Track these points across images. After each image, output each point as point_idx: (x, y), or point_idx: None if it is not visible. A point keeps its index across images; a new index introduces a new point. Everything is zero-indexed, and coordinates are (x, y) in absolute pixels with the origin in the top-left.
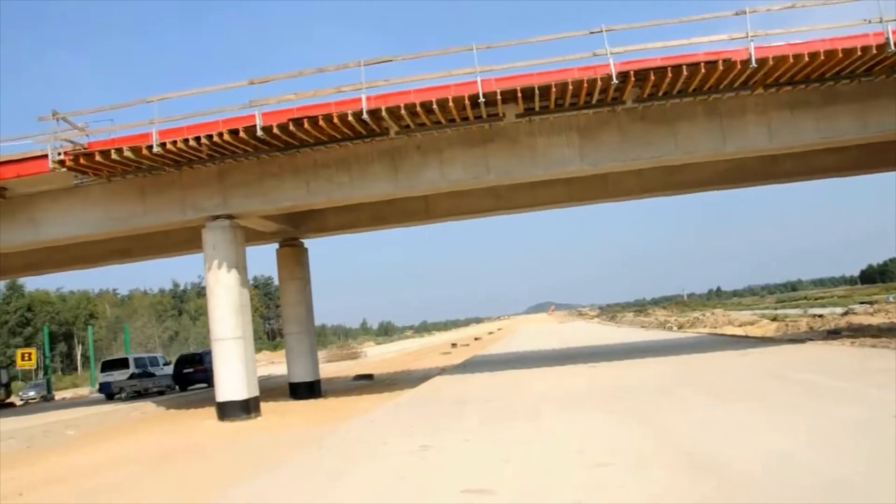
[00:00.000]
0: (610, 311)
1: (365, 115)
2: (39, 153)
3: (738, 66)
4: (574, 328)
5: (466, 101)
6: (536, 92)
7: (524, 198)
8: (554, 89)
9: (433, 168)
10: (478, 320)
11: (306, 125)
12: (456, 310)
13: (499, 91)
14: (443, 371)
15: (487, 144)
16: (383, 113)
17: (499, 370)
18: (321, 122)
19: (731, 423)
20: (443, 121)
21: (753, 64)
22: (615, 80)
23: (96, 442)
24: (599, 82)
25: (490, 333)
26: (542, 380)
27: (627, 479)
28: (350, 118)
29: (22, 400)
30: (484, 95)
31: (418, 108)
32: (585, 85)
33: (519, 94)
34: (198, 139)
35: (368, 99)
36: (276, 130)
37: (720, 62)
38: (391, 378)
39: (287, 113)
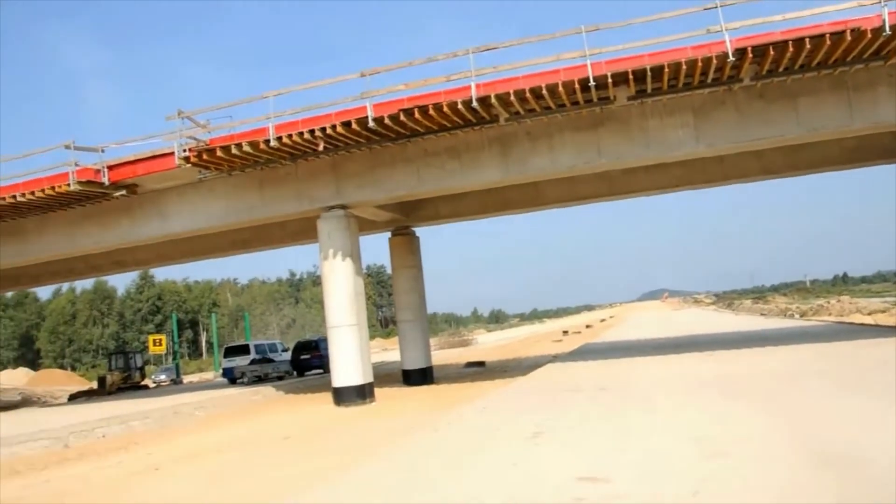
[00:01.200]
0: (726, 299)
1: (474, 103)
2: (167, 150)
3: (869, 36)
4: (688, 316)
5: (576, 86)
6: (648, 73)
7: (637, 182)
8: (667, 70)
9: (543, 154)
10: (589, 308)
11: (417, 115)
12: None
13: (609, 74)
14: (555, 358)
15: (598, 128)
16: (493, 100)
17: (612, 358)
18: (431, 111)
19: (863, 417)
20: (552, 106)
21: (887, 31)
22: (731, 58)
23: (221, 423)
24: (715, 60)
25: (602, 321)
26: (657, 368)
27: (749, 471)
28: (460, 106)
29: (154, 383)
30: (594, 79)
31: (528, 95)
32: (700, 64)
33: (630, 76)
34: (312, 132)
35: (478, 86)
36: (387, 121)
37: (847, 32)
38: (502, 365)
39: (398, 103)
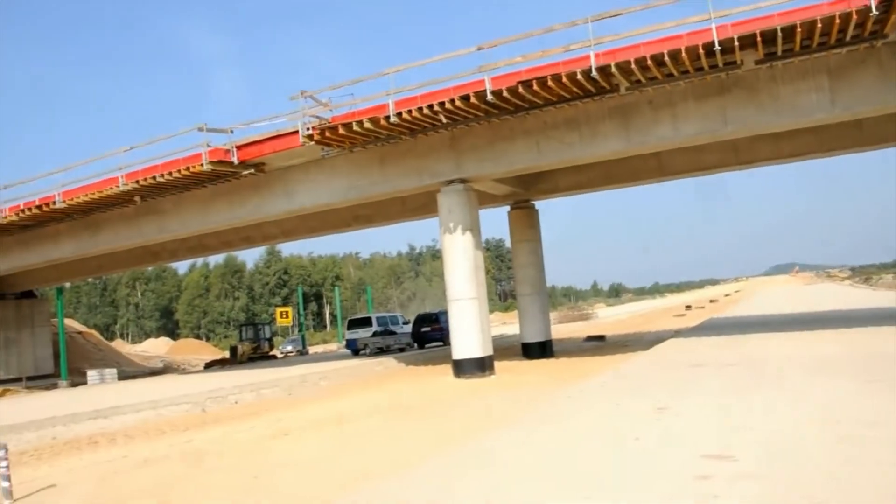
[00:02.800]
0: (863, 273)
1: (594, 73)
2: (291, 129)
3: None
4: (820, 291)
5: (700, 51)
6: (779, 34)
7: (766, 150)
8: (799, 29)
9: (665, 123)
10: (713, 282)
11: (535, 86)
12: (689, 271)
13: (736, 37)
14: (677, 333)
15: (724, 95)
16: (613, 69)
17: (737, 333)
18: (550, 83)
19: None
20: (675, 73)
21: None
22: (874, 11)
23: (346, 392)
24: (855, 16)
25: (727, 295)
26: (786, 344)
27: (887, 455)
28: (579, 76)
29: (281, 353)
30: (719, 43)
31: (649, 62)
32: (837, 21)
33: (759, 39)
34: (431, 107)
35: (597, 56)
36: (505, 94)
37: None
38: (623, 340)
39: (516, 76)
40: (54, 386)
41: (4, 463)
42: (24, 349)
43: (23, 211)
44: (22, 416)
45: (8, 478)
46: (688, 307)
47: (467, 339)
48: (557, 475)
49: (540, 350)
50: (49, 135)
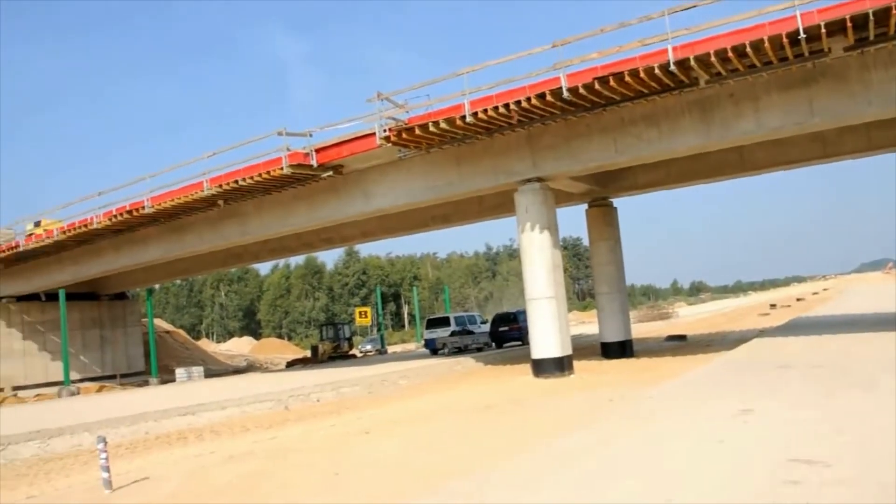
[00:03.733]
0: None
1: (672, 67)
2: (368, 132)
3: None
4: None
5: (784, 40)
6: (871, 18)
7: (856, 142)
8: (895, 11)
9: (748, 116)
10: (799, 280)
11: (612, 82)
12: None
13: (822, 23)
14: (762, 333)
15: (810, 85)
16: (692, 62)
17: (826, 333)
18: (627, 78)
19: None
20: (758, 64)
21: None
22: None
23: (425, 391)
24: None
25: (814, 294)
26: (880, 346)
27: None
28: (657, 71)
29: (361, 352)
30: (804, 31)
31: (730, 54)
32: None
33: (848, 24)
34: (507, 106)
35: (675, 49)
36: (581, 91)
37: None
38: (705, 339)
39: (591, 72)
40: (145, 383)
41: (104, 455)
42: (118, 347)
43: (115, 216)
44: (117, 411)
45: (107, 469)
46: (772, 306)
47: (546, 338)
48: (639, 476)
49: (620, 349)
50: (133, 143)
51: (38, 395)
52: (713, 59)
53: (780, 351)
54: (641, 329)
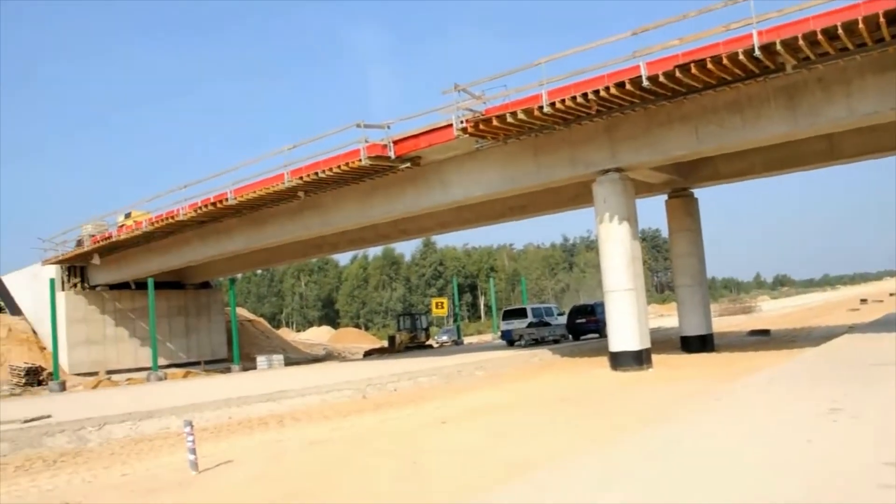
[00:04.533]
0: None
1: (757, 52)
2: (445, 123)
3: None
4: None
5: (881, 20)
6: None
7: None
8: None
9: (838, 102)
10: (892, 274)
11: (693, 70)
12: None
13: None
14: (851, 329)
15: None
16: (778, 47)
17: None
18: (709, 65)
19: None
20: (850, 46)
21: None
22: None
23: (501, 382)
24: None
25: None
26: None
27: None
28: (741, 57)
29: (437, 343)
30: None
31: (819, 37)
32: None
33: None
34: (585, 95)
35: (760, 34)
36: (662, 79)
37: None
38: (790, 335)
39: (672, 59)
40: (228, 370)
41: (191, 438)
42: (202, 335)
43: (200, 208)
44: (202, 396)
45: (194, 451)
46: (863, 301)
47: (624, 331)
48: (721, 474)
49: (700, 343)
50: (218, 137)
51: (129, 379)
52: (801, 43)
53: (871, 348)
54: (722, 323)
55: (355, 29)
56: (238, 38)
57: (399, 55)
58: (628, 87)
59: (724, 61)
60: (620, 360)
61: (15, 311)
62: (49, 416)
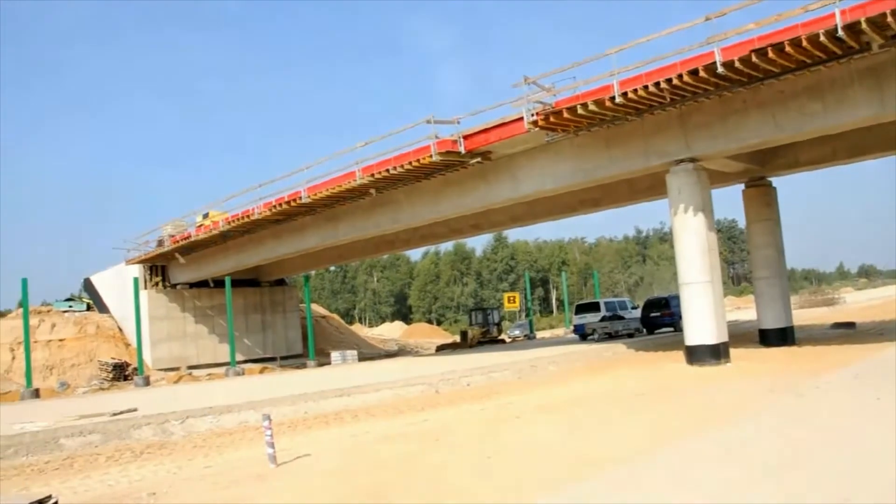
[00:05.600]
0: None
1: (840, 32)
2: (515, 117)
3: None
4: None
5: None
6: None
7: None
8: None
9: None
10: None
11: (770, 54)
12: None
13: None
14: None
15: None
16: (863, 25)
17: None
18: (787, 48)
19: None
20: None
21: None
22: None
23: (574, 377)
24: None
25: None
26: None
27: None
28: (822, 38)
29: (509, 337)
30: None
31: None
32: None
33: None
34: (657, 84)
35: (842, 12)
36: (737, 64)
37: None
38: (878, 327)
39: (748, 44)
40: (303, 365)
41: (269, 432)
42: (278, 331)
43: (274, 206)
44: (278, 391)
45: (272, 445)
46: None
47: (700, 324)
48: (804, 475)
49: (780, 337)
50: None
51: (209, 374)
52: (889, 19)
53: None
54: (803, 315)
55: (419, 24)
56: (296, 33)
57: (464, 50)
58: (702, 74)
59: (804, 43)
60: (697, 355)
61: (103, 309)
62: (135, 410)
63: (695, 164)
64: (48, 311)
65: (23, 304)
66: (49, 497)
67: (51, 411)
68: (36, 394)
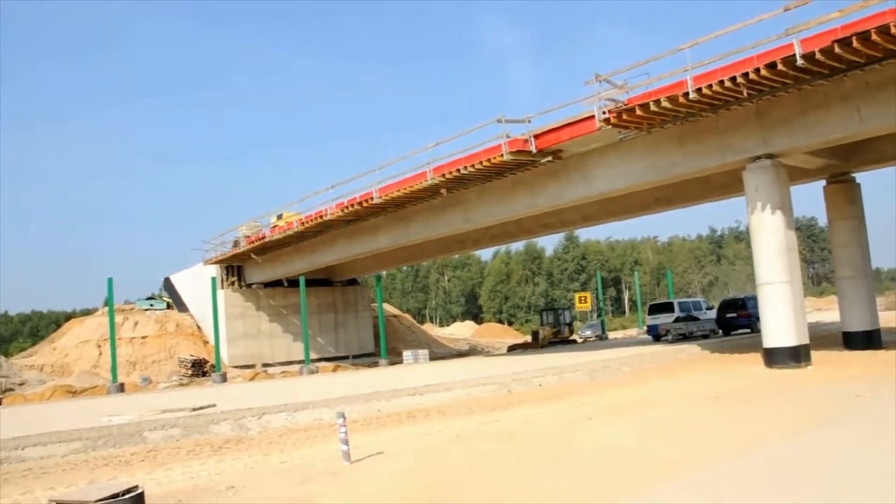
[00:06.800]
0: None
1: None
2: (586, 114)
3: None
4: None
5: None
6: None
7: None
8: None
9: None
10: None
11: (855, 43)
12: None
13: None
14: None
15: None
16: None
17: None
18: (874, 37)
19: None
20: None
21: None
22: None
23: (647, 379)
24: None
25: None
26: None
27: None
28: None
29: (581, 338)
30: None
31: None
32: None
33: None
34: (733, 79)
35: None
36: (818, 56)
37: None
38: None
39: (830, 34)
40: (375, 364)
41: (343, 429)
42: (350, 330)
43: (346, 207)
44: (351, 389)
45: (346, 442)
46: None
47: (779, 325)
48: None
49: (865, 340)
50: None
51: (283, 371)
52: None
53: None
54: (890, 318)
55: (488, 23)
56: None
57: (534, 49)
58: (780, 67)
59: (893, 30)
60: (775, 357)
61: (182, 307)
62: (214, 405)
63: (772, 160)
64: (131, 310)
65: (108, 302)
66: (135, 487)
67: (135, 405)
68: (121, 388)
